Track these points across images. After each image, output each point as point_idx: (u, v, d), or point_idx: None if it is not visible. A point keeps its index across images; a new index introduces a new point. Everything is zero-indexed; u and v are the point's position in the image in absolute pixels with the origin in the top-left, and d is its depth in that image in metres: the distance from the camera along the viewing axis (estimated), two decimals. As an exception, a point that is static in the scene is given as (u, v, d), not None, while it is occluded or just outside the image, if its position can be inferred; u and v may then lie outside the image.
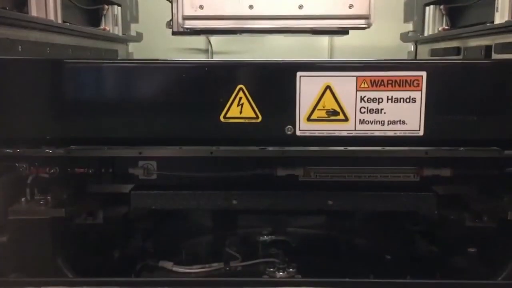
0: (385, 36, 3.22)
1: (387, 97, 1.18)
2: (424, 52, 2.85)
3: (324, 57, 3.34)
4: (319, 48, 3.37)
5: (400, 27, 3.10)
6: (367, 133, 1.19)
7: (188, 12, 1.71)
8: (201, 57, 3.45)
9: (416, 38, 2.87)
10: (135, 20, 3.14)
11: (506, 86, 1.19)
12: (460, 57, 2.25)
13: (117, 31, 2.80)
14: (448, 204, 1.40)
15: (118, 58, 2.78)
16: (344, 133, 1.19)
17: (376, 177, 1.44)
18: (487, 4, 2.06)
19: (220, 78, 1.20)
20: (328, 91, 1.18)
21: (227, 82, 1.19)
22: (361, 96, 1.18)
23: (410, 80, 1.16)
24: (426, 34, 2.69)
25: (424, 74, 1.16)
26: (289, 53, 3.25)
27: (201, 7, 1.71)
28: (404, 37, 3.02)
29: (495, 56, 1.91)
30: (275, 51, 3.29)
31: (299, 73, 1.17)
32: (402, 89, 1.17)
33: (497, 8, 1.87)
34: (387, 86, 1.17)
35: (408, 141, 1.20)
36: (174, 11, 1.77)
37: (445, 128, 1.18)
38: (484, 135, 1.20)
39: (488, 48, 2.00)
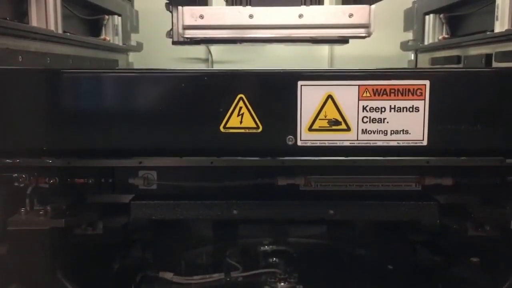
0: (385, 45, 3.23)
1: (390, 106, 1.16)
2: (424, 61, 2.85)
3: (324, 66, 3.34)
4: (319, 57, 3.37)
5: (400, 36, 3.10)
6: (370, 143, 1.18)
7: (188, 22, 1.71)
8: (201, 67, 3.45)
9: (416, 47, 2.88)
10: (136, 30, 3.15)
11: (510, 95, 1.18)
12: (461, 65, 2.26)
13: (117, 41, 2.80)
14: (450, 213, 1.39)
15: (118, 68, 2.78)
16: (346, 143, 1.18)
17: (378, 186, 1.43)
18: (487, 12, 2.06)
19: (220, 87, 1.19)
20: (329, 101, 1.17)
21: (227, 92, 1.18)
22: (363, 106, 1.17)
23: (413, 89, 1.15)
24: (426, 43, 2.70)
25: (427, 83, 1.15)
26: (290, 62, 3.26)
27: (201, 16, 1.71)
28: (404, 46, 3.03)
29: (495, 64, 1.91)
30: (275, 61, 3.29)
31: (300, 82, 1.16)
32: (405, 98, 1.16)
33: (497, 16, 1.88)
34: (390, 95, 1.16)
35: (412, 151, 1.18)
36: (174, 20, 1.78)
37: (449, 137, 1.17)
38: (487, 144, 1.19)
39: (488, 57, 2.00)
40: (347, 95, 1.17)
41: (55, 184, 1.34)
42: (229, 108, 1.17)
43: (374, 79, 1.16)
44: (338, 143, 1.18)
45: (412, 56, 3.03)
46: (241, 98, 1.17)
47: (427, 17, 2.68)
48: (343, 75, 1.18)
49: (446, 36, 2.54)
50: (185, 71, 1.26)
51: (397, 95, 1.16)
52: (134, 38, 3.06)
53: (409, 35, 2.98)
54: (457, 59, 2.33)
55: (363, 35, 1.73)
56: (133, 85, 1.20)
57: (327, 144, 1.18)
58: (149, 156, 1.29)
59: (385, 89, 1.16)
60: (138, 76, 1.21)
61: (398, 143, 1.18)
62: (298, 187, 1.42)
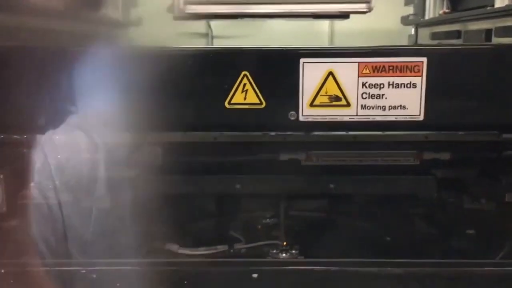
0: (386, 20, 3.20)
1: (388, 82, 1.19)
2: (425, 36, 2.85)
3: (324, 41, 3.34)
4: (320, 32, 3.37)
5: (401, 10, 3.09)
6: (369, 118, 1.22)
7: (190, -4, 1.73)
8: (201, 42, 3.45)
9: (417, 21, 2.87)
10: (135, 4, 3.13)
11: (505, 71, 1.21)
12: (461, 40, 2.26)
13: (117, 16, 2.80)
14: (447, 187, 1.43)
15: (119, 43, 2.78)
16: (346, 118, 1.22)
17: (377, 161, 1.46)
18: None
19: (225, 64, 1.22)
20: (330, 77, 1.20)
21: (231, 69, 1.21)
22: (362, 82, 1.20)
23: (411, 66, 1.18)
24: (426, 17, 2.70)
25: (424, 60, 1.18)
26: (290, 37, 3.25)
27: (203, -9, 1.72)
28: (405, 21, 3.02)
29: (495, 39, 1.92)
30: (275, 36, 3.28)
31: (302, 60, 1.19)
32: (403, 74, 1.19)
33: (497, -8, 1.88)
34: (388, 72, 1.19)
35: (409, 126, 1.22)
36: (175, -6, 1.79)
37: (445, 112, 1.21)
38: (483, 119, 1.23)
39: (488, 32, 2.01)
40: (347, 72, 1.19)
41: (63, 159, 1.37)
42: (234, 85, 1.20)
43: (373, 56, 1.19)
44: (339, 118, 1.22)
45: (413, 31, 3.03)
46: (245, 75, 1.20)
47: (428, -9, 2.68)
48: (343, 53, 1.21)
49: (447, 10, 2.54)
50: (192, 48, 1.29)
51: (395, 72, 1.19)
52: (133, 13, 3.05)
53: (410, 9, 2.97)
54: (457, 34, 2.34)
55: (364, 10, 1.75)
56: (138, 62, 1.22)
57: (328, 119, 1.21)
58: (156, 131, 1.33)
59: (383, 66, 1.19)
60: (144, 53, 1.23)
61: (396, 118, 1.21)
62: (299, 162, 1.45)
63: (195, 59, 1.21)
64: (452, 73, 1.19)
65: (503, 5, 1.85)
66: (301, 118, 1.21)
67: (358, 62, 1.19)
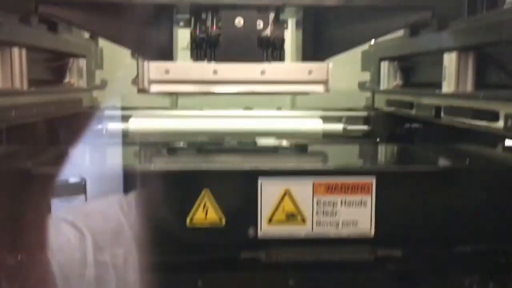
0: (346, 82, 3.32)
1: (341, 201, 1.28)
2: (382, 100, 2.96)
3: (287, 101, 3.43)
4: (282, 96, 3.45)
5: (361, 73, 3.21)
6: (323, 234, 1.29)
7: (154, 76, 1.78)
8: (166, 101, 3.48)
9: (373, 88, 2.98)
10: (100, 67, 3.16)
11: (450, 191, 1.31)
12: (413, 111, 2.37)
13: (82, 83, 2.82)
14: (400, 283, 1.51)
15: (82, 107, 2.79)
16: (302, 234, 1.29)
17: (334, 258, 1.53)
18: (438, 64, 2.18)
19: (186, 184, 1.28)
20: (287, 196, 1.27)
21: (193, 188, 1.26)
22: (317, 200, 1.27)
23: (361, 185, 1.27)
24: (381, 87, 2.81)
25: (373, 179, 1.27)
26: (252, 100, 3.33)
27: (167, 72, 1.78)
28: (362, 87, 3.14)
29: (444, 117, 2.03)
30: (239, 97, 3.36)
31: (260, 179, 1.26)
32: (354, 193, 1.27)
33: (444, 77, 2.00)
34: (341, 191, 1.27)
35: (360, 241, 1.30)
36: (140, 72, 1.83)
37: (394, 229, 1.29)
38: (432, 235, 1.31)
39: (438, 108, 2.12)
40: (302, 190, 1.27)
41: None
42: (195, 204, 1.25)
43: (327, 176, 1.27)
44: (295, 234, 1.29)
45: (370, 95, 3.14)
46: (205, 194, 1.25)
47: (382, 63, 2.79)
48: (299, 172, 1.28)
49: (400, 82, 2.65)
50: (154, 170, 1.33)
51: (347, 191, 1.27)
52: (98, 75, 3.07)
53: (368, 75, 3.08)
54: (410, 106, 2.45)
55: (322, 91, 1.84)
56: (96, 183, 1.27)
57: (285, 236, 1.28)
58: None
59: (336, 186, 1.27)
60: (108, 174, 1.27)
61: (348, 234, 1.29)
62: (260, 260, 1.50)
63: (157, 179, 1.26)
64: (400, 192, 1.29)
65: (450, 91, 1.95)
66: (259, 235, 1.27)
67: (313, 182, 1.26)
